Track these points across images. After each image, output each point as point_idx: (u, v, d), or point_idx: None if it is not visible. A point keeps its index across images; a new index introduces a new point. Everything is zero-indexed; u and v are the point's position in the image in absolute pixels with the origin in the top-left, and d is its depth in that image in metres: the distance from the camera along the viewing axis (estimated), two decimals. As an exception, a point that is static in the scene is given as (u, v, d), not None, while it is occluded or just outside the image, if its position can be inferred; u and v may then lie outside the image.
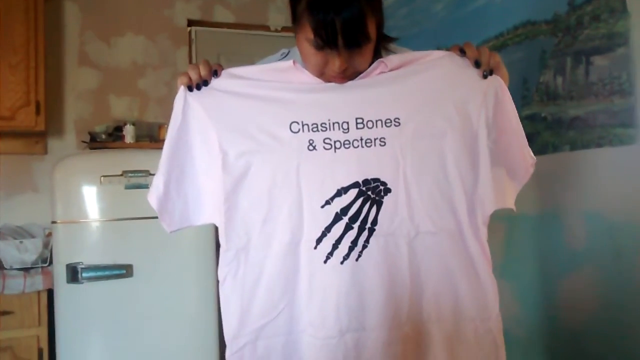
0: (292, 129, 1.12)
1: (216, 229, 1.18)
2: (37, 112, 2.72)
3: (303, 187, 1.12)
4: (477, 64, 1.14)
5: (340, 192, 1.12)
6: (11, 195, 3.00)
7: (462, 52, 1.15)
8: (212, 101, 1.15)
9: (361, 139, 1.12)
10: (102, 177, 2.42)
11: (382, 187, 1.12)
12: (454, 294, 1.16)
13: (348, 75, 1.12)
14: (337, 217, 1.11)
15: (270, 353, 1.15)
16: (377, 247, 1.12)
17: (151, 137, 3.08)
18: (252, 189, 1.13)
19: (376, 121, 1.13)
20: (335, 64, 1.08)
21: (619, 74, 1.70)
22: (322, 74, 1.13)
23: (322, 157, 1.12)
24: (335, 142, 1.12)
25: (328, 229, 1.11)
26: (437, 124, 1.13)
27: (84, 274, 2.36)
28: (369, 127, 1.12)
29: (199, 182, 1.18)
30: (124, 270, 2.41)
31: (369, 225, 1.12)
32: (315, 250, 1.12)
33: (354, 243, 1.11)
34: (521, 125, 1.18)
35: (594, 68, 1.80)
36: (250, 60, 1.32)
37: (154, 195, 1.21)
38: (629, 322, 1.69)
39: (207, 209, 1.19)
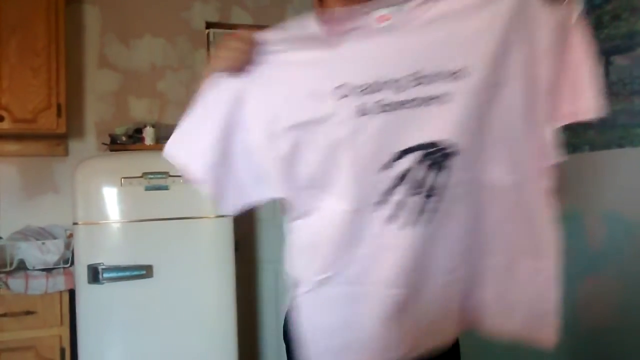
0: (338, 94, 1.03)
1: (235, 227, 1.19)
2: (59, 114, 2.76)
3: (358, 156, 1.04)
4: None
5: (400, 156, 1.03)
6: (33, 197, 3.05)
7: None
8: (252, 79, 1.07)
9: (419, 98, 1.01)
10: (122, 179, 2.45)
11: (448, 151, 1.02)
12: (513, 237, 1.10)
13: None
14: (397, 182, 1.04)
15: (335, 300, 1.12)
16: (445, 213, 1.05)
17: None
18: (306, 163, 1.08)
19: (436, 74, 1.00)
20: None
21: (639, 74, 1.69)
22: None
23: (375, 123, 1.02)
24: (387, 104, 1.01)
25: (388, 193, 1.04)
26: (503, 71, 1.01)
27: (105, 275, 2.39)
28: (428, 83, 1.00)
29: (253, 160, 1.12)
30: (144, 271, 2.44)
31: (435, 190, 1.04)
32: (376, 214, 1.06)
33: (421, 209, 1.04)
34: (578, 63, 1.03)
35: (614, 67, 1.78)
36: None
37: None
38: (651, 324, 1.67)
39: (264, 184, 1.13)
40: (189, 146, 1.15)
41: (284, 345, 1.28)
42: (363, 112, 1.02)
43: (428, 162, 1.03)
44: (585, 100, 1.02)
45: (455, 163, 1.02)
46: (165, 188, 2.48)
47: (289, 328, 1.22)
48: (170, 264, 2.49)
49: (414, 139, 1.02)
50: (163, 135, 3.07)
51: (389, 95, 1.01)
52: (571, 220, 1.94)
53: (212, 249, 2.58)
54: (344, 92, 1.02)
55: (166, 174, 2.46)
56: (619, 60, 1.76)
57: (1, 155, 2.98)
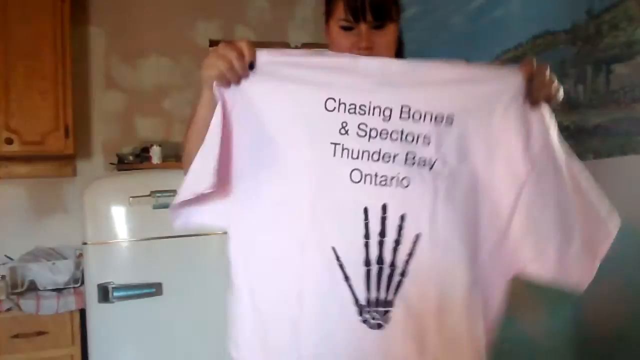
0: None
1: None
2: (66, 135, 2.80)
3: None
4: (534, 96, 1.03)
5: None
6: (42, 218, 3.08)
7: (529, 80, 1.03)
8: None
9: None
10: (130, 198, 2.47)
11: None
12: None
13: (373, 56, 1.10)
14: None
15: None
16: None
17: (177, 157, 3.13)
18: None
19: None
20: (362, 41, 1.13)
21: (640, 82, 1.70)
22: None
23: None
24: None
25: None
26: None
27: (115, 294, 2.40)
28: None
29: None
30: (154, 289, 2.45)
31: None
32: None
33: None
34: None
35: (614, 76, 1.79)
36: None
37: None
38: (660, 331, 1.67)
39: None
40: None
41: None
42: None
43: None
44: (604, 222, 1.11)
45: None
46: (173, 206, 2.50)
47: None
48: (179, 281, 2.50)
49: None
50: (170, 153, 3.10)
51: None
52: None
53: (221, 265, 2.57)
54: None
55: (174, 192, 2.45)
56: (619, 69, 1.78)
57: (10, 177, 3.02)
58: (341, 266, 1.00)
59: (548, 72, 1.03)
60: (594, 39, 1.86)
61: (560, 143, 1.05)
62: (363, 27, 1.15)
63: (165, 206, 2.49)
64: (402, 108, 1.01)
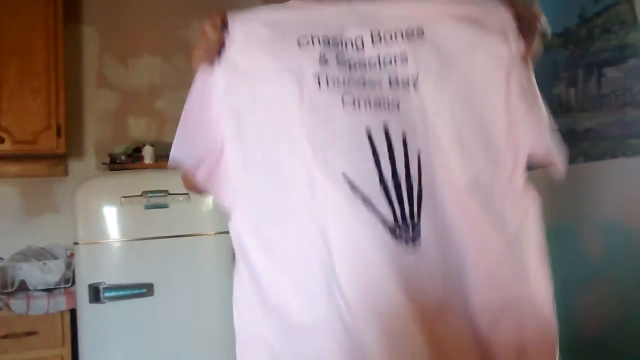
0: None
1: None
2: (58, 135, 2.78)
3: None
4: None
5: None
6: (34, 217, 3.06)
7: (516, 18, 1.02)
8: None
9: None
10: (122, 198, 2.46)
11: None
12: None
13: None
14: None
15: None
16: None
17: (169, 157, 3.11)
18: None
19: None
20: None
21: (631, 85, 1.71)
22: None
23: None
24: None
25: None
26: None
27: (106, 294, 2.39)
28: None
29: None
30: (145, 289, 2.44)
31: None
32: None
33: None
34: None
35: (606, 80, 1.81)
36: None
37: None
38: (650, 333, 1.68)
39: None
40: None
41: None
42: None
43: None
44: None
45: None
46: (165, 206, 2.49)
47: None
48: (171, 281, 2.49)
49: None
50: (162, 153, 3.09)
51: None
52: (568, 231, 1.96)
53: (213, 266, 2.59)
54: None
55: (166, 192, 2.47)
56: (611, 73, 1.79)
57: (1, 177, 3.00)
58: (356, 189, 0.96)
59: (535, 9, 1.04)
60: (585, 43, 1.88)
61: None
62: None
63: (157, 206, 2.51)
64: (371, 33, 1.01)
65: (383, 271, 0.94)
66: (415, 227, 0.96)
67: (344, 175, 0.96)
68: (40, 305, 2.45)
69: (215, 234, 2.51)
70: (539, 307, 1.00)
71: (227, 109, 1.03)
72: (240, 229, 1.05)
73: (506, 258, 1.00)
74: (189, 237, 2.50)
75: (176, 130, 1.11)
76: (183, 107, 1.06)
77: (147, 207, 2.48)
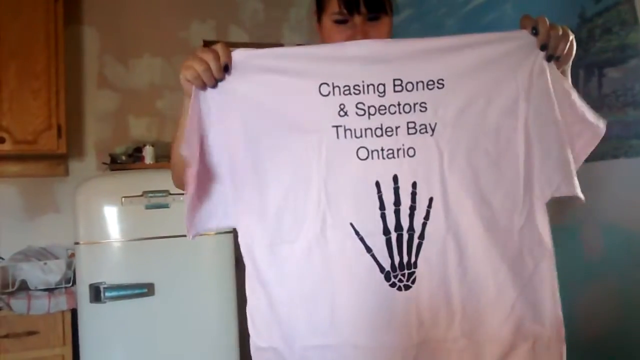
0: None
1: (235, 244, 1.17)
2: (59, 135, 2.79)
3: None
4: (542, 47, 1.04)
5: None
6: (34, 217, 3.06)
7: (534, 31, 1.03)
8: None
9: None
10: (123, 198, 2.46)
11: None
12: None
13: None
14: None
15: None
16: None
17: (170, 157, 3.11)
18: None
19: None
20: (357, 33, 1.16)
21: (632, 86, 1.71)
22: None
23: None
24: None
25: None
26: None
27: (107, 294, 2.40)
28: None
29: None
30: (145, 289, 2.45)
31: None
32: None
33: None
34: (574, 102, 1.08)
35: (607, 80, 1.81)
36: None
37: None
38: (650, 333, 1.69)
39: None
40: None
41: None
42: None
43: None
44: (594, 125, 1.10)
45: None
46: (166, 206, 2.50)
47: None
48: (171, 281, 2.50)
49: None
50: (162, 153, 3.10)
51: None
52: (569, 231, 1.96)
53: (213, 266, 2.59)
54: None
55: (166, 192, 2.48)
56: (612, 73, 1.79)
57: (2, 177, 3.00)
58: (362, 239, 1.04)
59: (552, 23, 1.04)
60: (586, 43, 1.88)
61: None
62: (357, 19, 1.17)
63: (158, 206, 2.51)
64: (394, 81, 1.04)
65: (374, 309, 1.05)
66: (412, 274, 1.05)
67: (352, 225, 1.04)
68: (41, 305, 2.46)
69: (216, 234, 2.51)
70: (553, 345, 1.07)
71: (241, 129, 1.06)
72: (253, 244, 1.09)
73: (523, 297, 1.06)
74: (190, 237, 2.50)
75: (176, 129, 1.13)
76: (182, 70, 1.04)
77: (148, 207, 2.49)
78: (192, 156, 1.05)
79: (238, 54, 1.05)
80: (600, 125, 1.11)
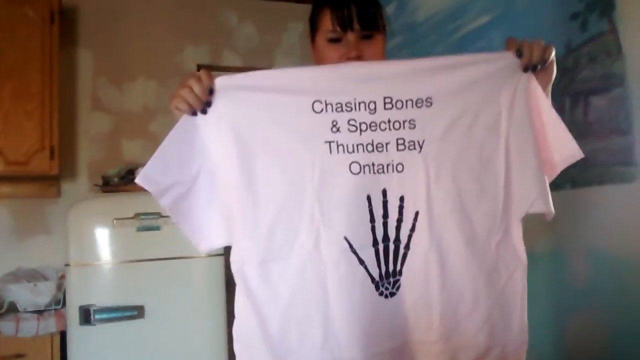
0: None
1: (226, 266, 1.18)
2: (52, 156, 2.79)
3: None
4: (525, 69, 1.09)
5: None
6: (25, 238, 3.05)
7: (518, 53, 1.08)
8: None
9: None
10: (114, 220, 2.47)
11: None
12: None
13: None
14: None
15: None
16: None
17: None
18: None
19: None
20: (351, 51, 1.18)
21: (617, 114, 1.75)
22: None
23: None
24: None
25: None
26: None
27: (97, 316, 2.39)
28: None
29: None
30: (136, 312, 2.44)
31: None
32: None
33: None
34: (554, 121, 1.12)
35: (592, 108, 1.84)
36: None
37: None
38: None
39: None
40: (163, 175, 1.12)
41: None
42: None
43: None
44: (570, 147, 1.14)
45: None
46: (157, 229, 2.50)
47: None
48: (161, 304, 2.49)
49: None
50: (155, 175, 3.09)
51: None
52: (555, 256, 1.98)
53: (204, 289, 2.59)
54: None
55: (158, 215, 2.48)
56: (597, 101, 1.82)
57: (-7, 198, 3.00)
58: (355, 252, 1.09)
59: (535, 40, 1.10)
60: (572, 72, 1.91)
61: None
62: (351, 36, 1.20)
63: (149, 229, 2.51)
64: (384, 99, 1.08)
65: (367, 319, 1.08)
66: (397, 282, 1.10)
67: (346, 238, 1.08)
68: (30, 327, 2.44)
69: (207, 256, 2.52)
70: (519, 349, 1.14)
71: (234, 148, 1.09)
72: (244, 261, 1.11)
73: (497, 306, 1.12)
74: (181, 260, 2.51)
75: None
76: (170, 99, 1.10)
77: (139, 229, 2.49)
78: (166, 183, 1.09)
79: (226, 79, 1.09)
80: (575, 148, 1.14)
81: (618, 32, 1.75)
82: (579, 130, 1.87)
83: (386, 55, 1.28)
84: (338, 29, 1.19)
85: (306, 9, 1.37)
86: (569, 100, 1.91)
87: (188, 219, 1.13)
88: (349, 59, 1.19)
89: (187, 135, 1.09)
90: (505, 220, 1.11)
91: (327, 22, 1.21)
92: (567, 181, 1.86)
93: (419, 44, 2.86)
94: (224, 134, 1.09)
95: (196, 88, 1.06)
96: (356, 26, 1.19)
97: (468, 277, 1.10)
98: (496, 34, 2.31)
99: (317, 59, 1.27)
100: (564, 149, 1.14)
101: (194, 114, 1.08)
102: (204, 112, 1.08)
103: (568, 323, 1.90)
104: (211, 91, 1.08)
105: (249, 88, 1.10)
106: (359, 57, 1.19)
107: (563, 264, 1.94)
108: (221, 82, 1.09)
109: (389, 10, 2.93)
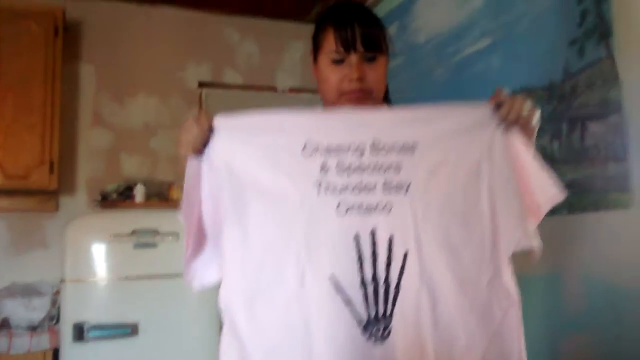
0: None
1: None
2: (51, 171, 2.80)
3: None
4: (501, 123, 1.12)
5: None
6: (22, 253, 3.05)
7: (497, 107, 1.11)
8: (216, 155, 1.13)
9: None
10: (111, 236, 2.46)
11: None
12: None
13: (364, 89, 1.19)
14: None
15: None
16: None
17: (161, 195, 3.14)
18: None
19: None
20: (353, 72, 1.18)
21: (613, 140, 1.75)
22: (341, 94, 1.21)
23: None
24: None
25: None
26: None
27: (90, 333, 2.38)
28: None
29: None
30: (129, 329, 2.43)
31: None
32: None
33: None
34: (536, 167, 1.14)
35: (589, 134, 1.85)
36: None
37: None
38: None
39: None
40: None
41: None
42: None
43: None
44: (551, 189, 1.15)
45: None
46: (154, 246, 2.50)
47: None
48: (156, 322, 2.48)
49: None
50: (153, 192, 3.11)
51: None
52: (550, 282, 1.97)
53: (198, 307, 2.58)
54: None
55: (155, 232, 2.48)
56: (594, 127, 1.83)
57: (-9, 211, 3.00)
58: (341, 292, 1.07)
59: (519, 98, 1.11)
60: (569, 97, 1.92)
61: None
62: (354, 57, 1.19)
63: (146, 246, 2.51)
64: (372, 143, 1.11)
65: None
66: (387, 325, 1.08)
67: (332, 276, 1.08)
68: (22, 343, 2.43)
69: (203, 274, 2.50)
70: None
71: (227, 184, 1.13)
72: (231, 298, 1.14)
73: (493, 346, 1.10)
74: (177, 277, 2.49)
75: (169, 169, 1.20)
76: (176, 146, 1.15)
77: (136, 246, 2.49)
78: (187, 222, 1.14)
79: (224, 119, 1.14)
80: (557, 192, 1.15)
81: (615, 58, 1.76)
82: (575, 155, 1.87)
83: (387, 77, 1.29)
84: (341, 49, 1.19)
85: (308, 28, 1.38)
86: (566, 125, 1.92)
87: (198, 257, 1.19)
88: (351, 80, 1.19)
89: (196, 179, 1.14)
90: (494, 259, 1.11)
91: (330, 42, 1.21)
92: (563, 207, 1.85)
93: (419, 66, 2.88)
94: (217, 171, 1.13)
95: (195, 129, 1.10)
96: (359, 47, 1.19)
97: (461, 317, 1.09)
98: (496, 58, 2.32)
99: (319, 79, 1.27)
100: (547, 192, 1.15)
101: (200, 153, 1.13)
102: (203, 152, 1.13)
103: (562, 348, 1.89)
104: (210, 129, 1.12)
105: (245, 128, 1.14)
106: (361, 79, 1.19)
107: (558, 289, 1.93)
108: (219, 121, 1.13)
109: (391, 30, 2.95)
